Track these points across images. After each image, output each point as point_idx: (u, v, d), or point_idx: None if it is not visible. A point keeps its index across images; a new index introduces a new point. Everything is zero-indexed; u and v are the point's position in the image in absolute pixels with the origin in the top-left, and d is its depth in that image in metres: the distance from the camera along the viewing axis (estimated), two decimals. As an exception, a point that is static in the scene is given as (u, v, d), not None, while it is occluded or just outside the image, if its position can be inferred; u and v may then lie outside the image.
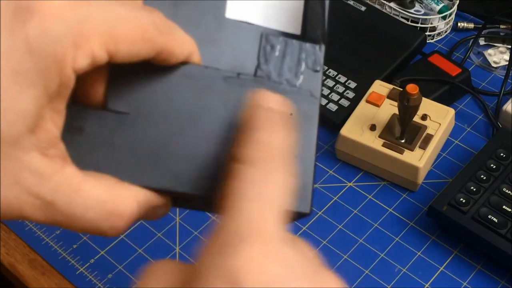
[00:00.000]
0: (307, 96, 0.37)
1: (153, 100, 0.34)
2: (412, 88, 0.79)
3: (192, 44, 0.35)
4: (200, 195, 0.35)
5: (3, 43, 0.29)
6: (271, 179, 0.31)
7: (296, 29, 0.37)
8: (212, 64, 0.36)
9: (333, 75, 0.95)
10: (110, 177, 0.33)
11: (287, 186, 0.31)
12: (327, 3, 0.38)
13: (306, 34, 0.37)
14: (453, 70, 0.94)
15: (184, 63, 0.35)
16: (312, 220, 0.83)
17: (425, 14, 1.04)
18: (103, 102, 0.34)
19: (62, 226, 0.31)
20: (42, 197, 0.30)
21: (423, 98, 0.82)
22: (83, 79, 0.33)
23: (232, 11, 0.37)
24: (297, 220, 0.36)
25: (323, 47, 0.37)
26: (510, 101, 0.91)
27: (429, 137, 0.85)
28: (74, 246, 0.81)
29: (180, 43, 0.34)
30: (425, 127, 0.85)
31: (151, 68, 0.34)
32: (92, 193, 0.32)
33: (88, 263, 0.80)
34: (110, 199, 0.32)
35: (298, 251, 0.31)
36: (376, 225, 0.83)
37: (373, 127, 0.86)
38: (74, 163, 0.32)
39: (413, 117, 0.83)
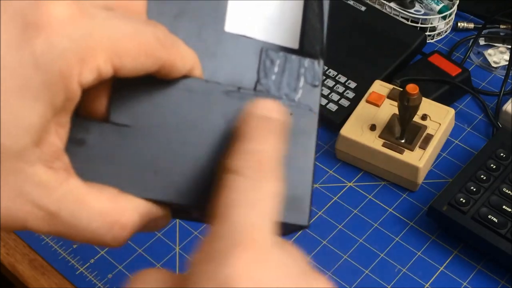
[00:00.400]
0: (306, 110, 0.37)
1: (155, 113, 0.34)
2: (412, 88, 0.79)
3: (194, 58, 0.35)
4: (201, 207, 0.35)
5: (10, 58, 0.29)
6: (260, 187, 0.31)
7: (294, 44, 0.37)
8: (212, 77, 0.36)
9: (333, 75, 0.95)
10: (112, 189, 0.33)
11: (276, 193, 0.32)
12: (325, 18, 0.38)
13: (304, 49, 0.37)
14: (453, 70, 0.94)
15: (186, 76, 0.35)
16: (312, 220, 0.83)
17: (425, 14, 1.04)
18: (106, 114, 0.34)
19: (65, 237, 0.32)
20: (46, 209, 0.31)
21: (423, 98, 0.82)
22: (87, 92, 0.33)
23: (232, 25, 0.37)
24: (295, 232, 0.36)
25: (321, 62, 0.38)
26: (510, 101, 0.91)
27: (429, 137, 0.85)
28: (74, 246, 0.81)
29: (182, 57, 0.34)
30: (425, 127, 0.85)
31: (153, 82, 0.34)
32: (95, 204, 0.32)
33: (88, 263, 0.80)
34: (113, 211, 0.32)
35: (288, 254, 0.31)
36: (376, 225, 0.83)
37: (373, 127, 0.86)
38: (77, 174, 0.32)
39: (413, 117, 0.83)
